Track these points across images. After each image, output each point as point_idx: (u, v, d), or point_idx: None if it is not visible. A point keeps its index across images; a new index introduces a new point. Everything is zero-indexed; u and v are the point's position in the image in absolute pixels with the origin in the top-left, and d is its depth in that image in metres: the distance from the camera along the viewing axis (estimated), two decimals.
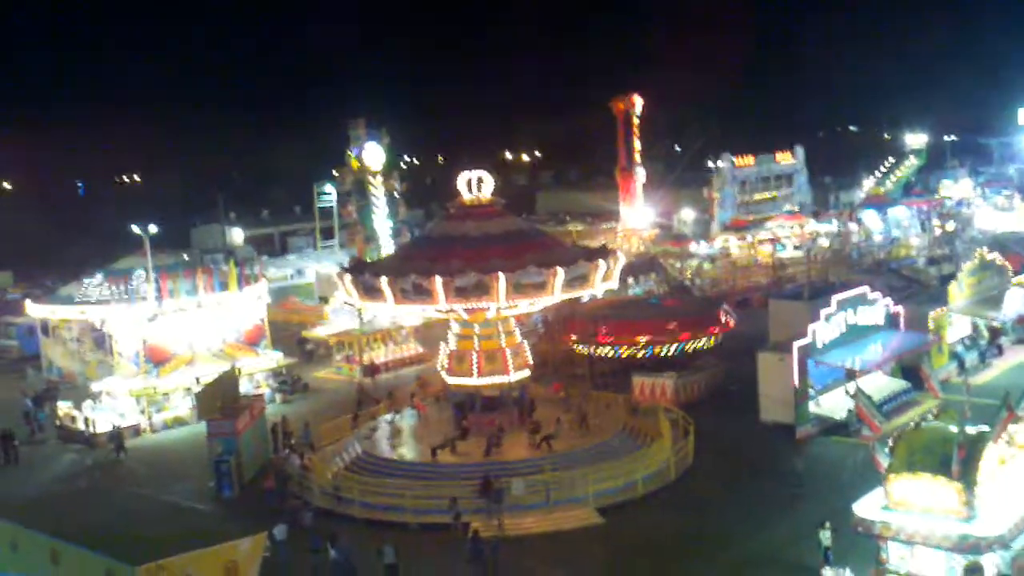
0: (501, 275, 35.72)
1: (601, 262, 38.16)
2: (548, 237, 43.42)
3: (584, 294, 39.56)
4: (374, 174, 62.62)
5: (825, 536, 27.58)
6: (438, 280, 35.89)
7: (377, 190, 62.79)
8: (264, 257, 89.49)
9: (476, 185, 39.90)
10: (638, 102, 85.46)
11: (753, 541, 30.41)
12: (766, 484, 34.56)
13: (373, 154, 62.48)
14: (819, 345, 41.16)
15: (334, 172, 72.66)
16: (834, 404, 40.62)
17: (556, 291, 37.07)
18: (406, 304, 38.27)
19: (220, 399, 40.06)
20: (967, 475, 25.19)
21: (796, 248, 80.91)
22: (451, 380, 40.07)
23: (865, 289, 45.35)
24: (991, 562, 24.89)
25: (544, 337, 50.91)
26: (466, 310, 37.86)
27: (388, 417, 42.63)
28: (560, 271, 36.59)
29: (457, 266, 36.36)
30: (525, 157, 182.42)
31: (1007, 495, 26.06)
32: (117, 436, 43.74)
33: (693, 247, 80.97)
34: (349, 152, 63.20)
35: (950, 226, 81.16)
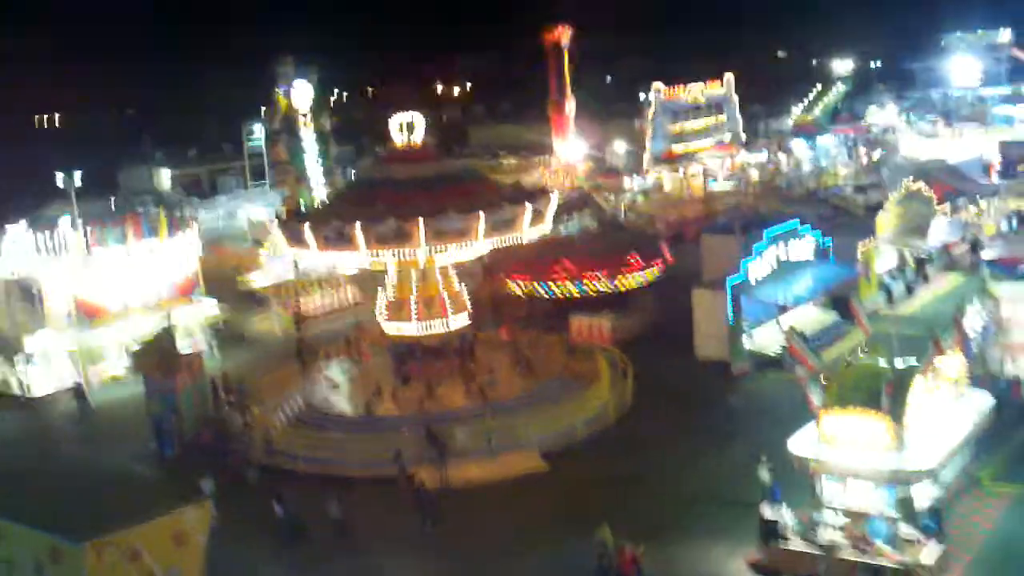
0: (420, 221, 35.35)
1: (528, 205, 37.73)
2: (479, 180, 42.86)
3: (513, 238, 39.10)
4: (303, 114, 61.90)
5: (764, 473, 28.26)
6: (357, 227, 35.51)
7: (307, 129, 62.10)
8: (193, 199, 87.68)
9: (407, 128, 39.38)
10: (568, 33, 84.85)
11: (694, 479, 31.22)
12: (704, 422, 35.33)
13: (302, 92, 61.68)
14: (752, 280, 41.84)
15: (263, 110, 71.55)
16: (768, 339, 41.43)
17: (480, 236, 36.63)
18: (330, 252, 37.88)
19: (157, 355, 39.60)
20: (896, 409, 26.02)
21: (727, 180, 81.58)
22: (389, 328, 39.99)
23: (795, 221, 46.06)
24: (923, 493, 25.87)
25: (483, 280, 50.96)
26: (394, 257, 37.55)
27: (329, 367, 42.55)
28: (482, 216, 36.14)
29: (380, 212, 35.94)
30: (456, 90, 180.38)
31: (935, 427, 27.02)
32: (80, 390, 43.38)
33: (626, 181, 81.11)
34: (277, 90, 62.27)
35: (876, 154, 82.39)
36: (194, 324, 49.94)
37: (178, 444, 36.96)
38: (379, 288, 40.84)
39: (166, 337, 40.99)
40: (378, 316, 40.57)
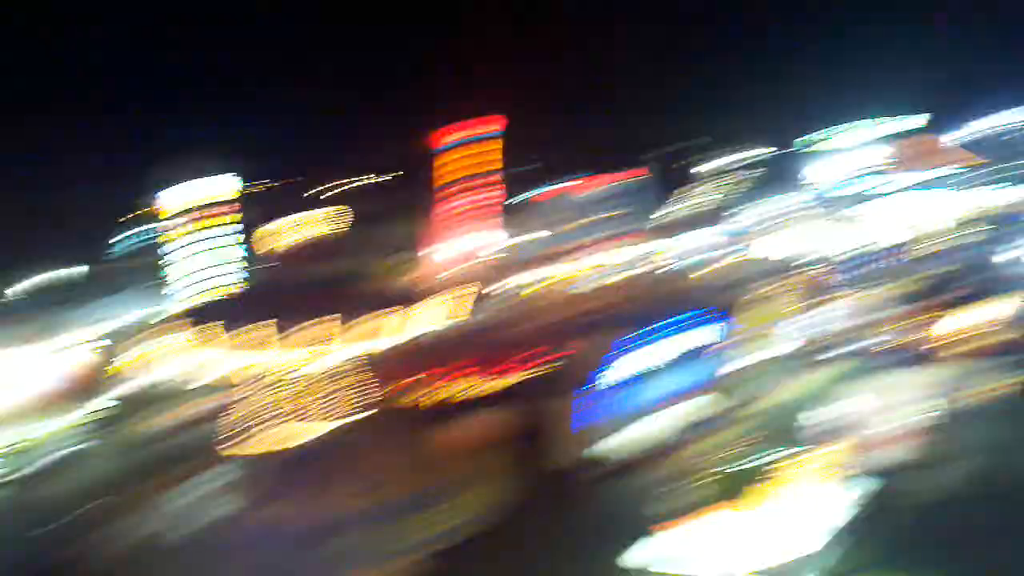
0: (297, 325, 35.41)
1: (409, 305, 38.17)
2: (361, 282, 43.25)
3: (398, 338, 39.40)
4: (187, 211, 61.53)
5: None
6: (232, 332, 35.43)
7: (191, 232, 61.63)
8: (66, 305, 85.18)
9: (300, 229, 39.70)
10: (459, 133, 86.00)
11: None
12: (573, 522, 35.32)
13: (186, 194, 61.41)
14: (624, 378, 42.26)
15: (142, 214, 70.61)
16: (636, 438, 41.66)
17: (357, 338, 36.77)
18: (202, 355, 37.56)
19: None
20: (757, 503, 26.40)
21: (612, 275, 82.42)
22: (265, 434, 39.37)
23: (670, 318, 46.82)
24: None
25: (371, 380, 50.41)
26: (278, 358, 37.42)
27: (203, 478, 41.44)
28: (366, 318, 36.39)
29: (257, 316, 35.96)
30: (356, 184, 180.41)
31: (801, 521, 27.43)
32: None
33: (515, 278, 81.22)
34: (155, 198, 61.79)
35: (748, 251, 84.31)
36: (64, 429, 48.13)
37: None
38: (249, 394, 40.20)
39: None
40: (251, 423, 39.86)
